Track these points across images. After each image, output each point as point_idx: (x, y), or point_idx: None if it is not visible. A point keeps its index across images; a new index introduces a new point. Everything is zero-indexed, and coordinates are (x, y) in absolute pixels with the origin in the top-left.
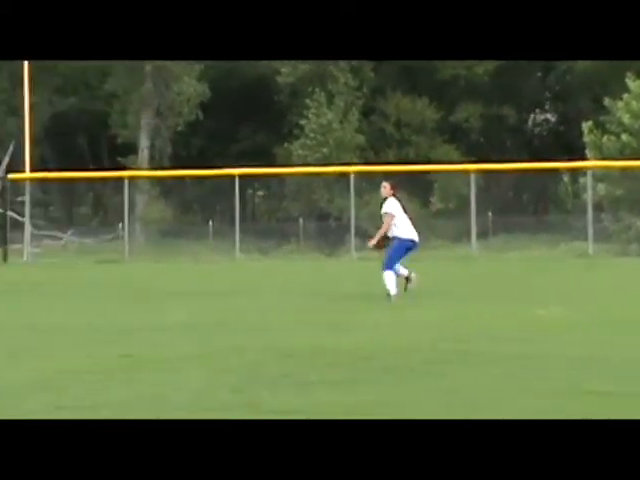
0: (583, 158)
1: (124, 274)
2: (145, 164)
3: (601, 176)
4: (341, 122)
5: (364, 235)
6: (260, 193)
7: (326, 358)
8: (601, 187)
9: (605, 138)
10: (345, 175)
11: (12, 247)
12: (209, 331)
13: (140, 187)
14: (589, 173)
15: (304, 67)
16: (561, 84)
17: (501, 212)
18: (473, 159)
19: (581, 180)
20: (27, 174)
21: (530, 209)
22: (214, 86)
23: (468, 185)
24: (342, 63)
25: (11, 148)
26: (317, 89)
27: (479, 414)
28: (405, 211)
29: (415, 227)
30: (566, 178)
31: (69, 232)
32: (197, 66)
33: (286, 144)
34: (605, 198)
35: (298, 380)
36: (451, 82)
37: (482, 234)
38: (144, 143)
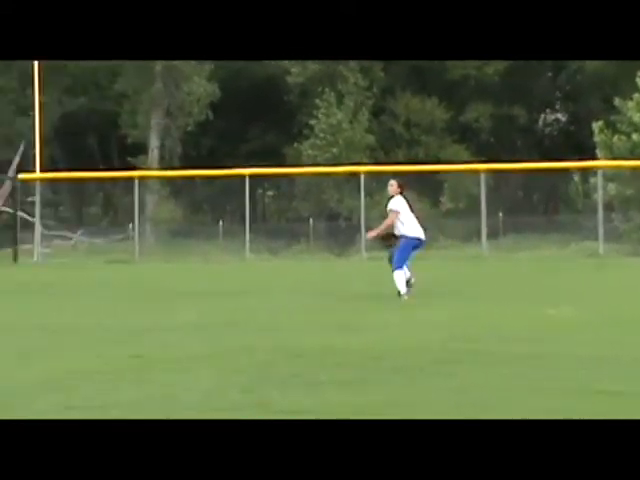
0: (594, 158)
1: (134, 274)
2: (155, 164)
3: (612, 176)
4: (351, 122)
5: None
6: (270, 193)
7: (336, 358)
8: (612, 187)
9: (616, 138)
10: (355, 175)
11: (22, 247)
12: (219, 331)
13: (150, 187)
14: (600, 173)
15: (314, 67)
16: (571, 84)
17: (511, 212)
18: (483, 159)
19: (591, 180)
20: (37, 174)
21: (540, 209)
22: (224, 86)
23: (478, 185)
24: (352, 63)
25: (21, 148)
26: (327, 89)
27: (489, 414)
28: (412, 209)
29: (425, 227)
30: (577, 178)
31: (79, 232)
32: (207, 66)
33: (296, 144)
34: (616, 198)
35: (308, 380)
36: (461, 82)
37: (492, 234)
38: (154, 143)
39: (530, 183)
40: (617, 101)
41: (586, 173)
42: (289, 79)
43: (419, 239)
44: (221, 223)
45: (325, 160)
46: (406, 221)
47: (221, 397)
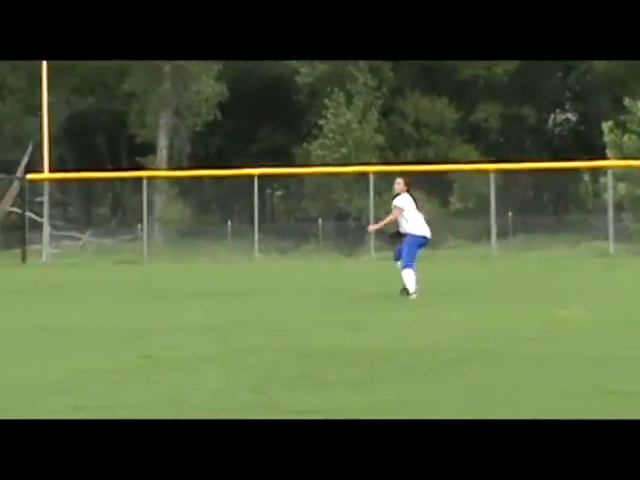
0: (603, 157)
1: (143, 274)
2: (164, 164)
3: (622, 175)
4: (360, 122)
5: (383, 235)
6: (279, 193)
7: (345, 358)
8: (622, 187)
9: (626, 137)
10: (364, 175)
11: (31, 248)
12: (228, 331)
13: (159, 187)
14: (610, 172)
15: (323, 67)
16: (581, 84)
17: (521, 212)
18: (493, 159)
19: (601, 180)
20: (46, 174)
21: (550, 209)
22: (232, 86)
23: (487, 185)
24: (361, 63)
25: (29, 148)
26: (336, 89)
27: (498, 414)
28: (417, 208)
29: (433, 227)
30: (586, 178)
31: (88, 233)
32: (215, 66)
33: (305, 144)
34: (626, 197)
35: (317, 380)
36: (471, 82)
37: (502, 234)
38: (163, 143)
39: (540, 183)
40: (627, 101)
41: (596, 173)
42: (298, 79)
43: (424, 237)
44: (230, 223)
45: (334, 160)
46: (411, 219)
47: (230, 397)
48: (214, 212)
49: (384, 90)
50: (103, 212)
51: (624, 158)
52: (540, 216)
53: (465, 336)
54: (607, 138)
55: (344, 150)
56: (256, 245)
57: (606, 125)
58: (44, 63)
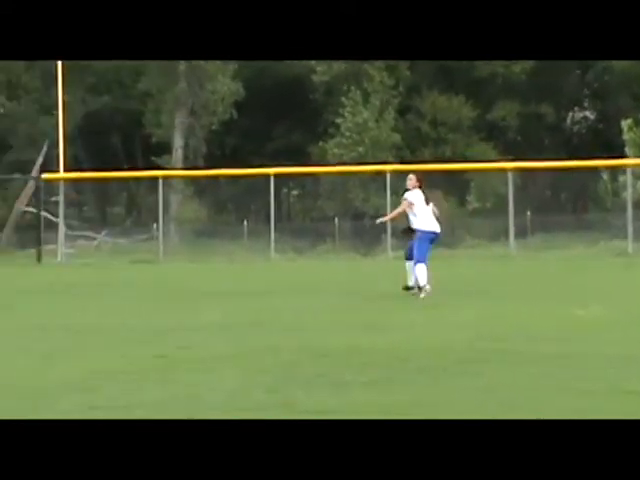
0: (622, 156)
1: (158, 274)
2: (179, 163)
3: None
4: (377, 121)
5: (405, 236)
6: (295, 192)
7: (361, 358)
8: None
9: None
10: (381, 174)
11: (46, 247)
12: (244, 331)
13: (174, 187)
14: (629, 171)
15: (339, 66)
16: (600, 82)
17: (539, 211)
18: (510, 157)
19: (620, 178)
20: (61, 174)
21: (569, 208)
22: (248, 85)
23: (505, 184)
24: (378, 61)
25: (45, 148)
26: (353, 87)
27: (516, 414)
28: (427, 204)
29: (451, 226)
30: (605, 176)
31: (103, 232)
32: (231, 65)
33: (321, 143)
34: None
35: (333, 380)
36: (488, 80)
37: (520, 233)
38: (178, 142)
39: (558, 182)
40: None
41: (615, 171)
42: (314, 78)
43: (434, 232)
44: (246, 223)
45: (351, 159)
46: (420, 214)
47: (246, 397)
48: (230, 212)
49: (401, 89)
50: (118, 212)
51: None
52: (558, 215)
53: (483, 335)
54: (626, 136)
55: (361, 149)
56: (272, 245)
57: (625, 123)
58: (59, 62)
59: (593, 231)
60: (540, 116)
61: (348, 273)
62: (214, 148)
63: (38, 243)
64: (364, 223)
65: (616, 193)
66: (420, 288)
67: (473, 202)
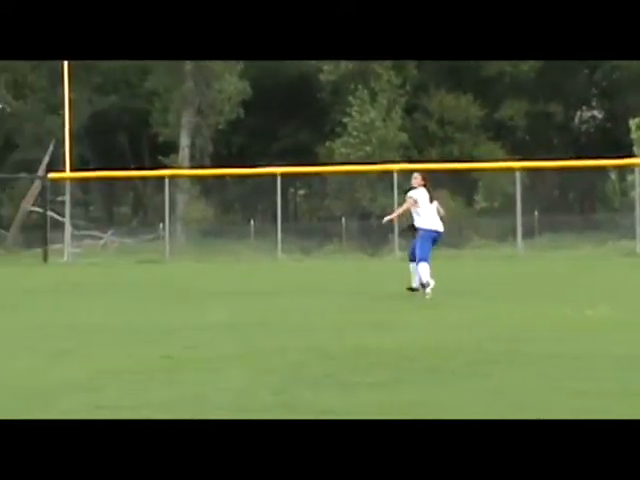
0: (631, 155)
1: (165, 274)
2: (186, 163)
3: None
4: (384, 120)
5: (408, 234)
6: (302, 192)
7: (369, 358)
8: None
9: None
10: (388, 173)
11: (52, 247)
12: (250, 331)
13: (181, 186)
14: (637, 170)
15: (346, 65)
16: (608, 81)
17: (547, 211)
18: (518, 157)
19: (629, 178)
20: (67, 173)
21: (576, 207)
22: (255, 84)
23: (513, 183)
24: (385, 61)
25: (51, 147)
26: (360, 87)
27: (526, 415)
28: (431, 202)
29: (459, 226)
30: (613, 176)
31: (109, 232)
32: (238, 64)
33: (328, 142)
34: None
35: (340, 380)
36: (496, 79)
37: (528, 233)
38: (185, 142)
39: (566, 181)
40: None
41: (623, 171)
42: (321, 77)
43: (437, 231)
44: (252, 222)
45: (358, 158)
46: (423, 213)
47: (252, 397)
48: (237, 211)
49: (408, 87)
50: (125, 211)
51: None
52: (566, 215)
53: (491, 336)
54: (634, 135)
55: (368, 148)
56: (279, 244)
57: (633, 122)
58: (66, 62)
59: (601, 231)
60: (548, 115)
61: (355, 273)
62: (221, 147)
63: (44, 243)
64: (371, 223)
65: (624, 193)
66: (424, 286)
67: (481, 202)
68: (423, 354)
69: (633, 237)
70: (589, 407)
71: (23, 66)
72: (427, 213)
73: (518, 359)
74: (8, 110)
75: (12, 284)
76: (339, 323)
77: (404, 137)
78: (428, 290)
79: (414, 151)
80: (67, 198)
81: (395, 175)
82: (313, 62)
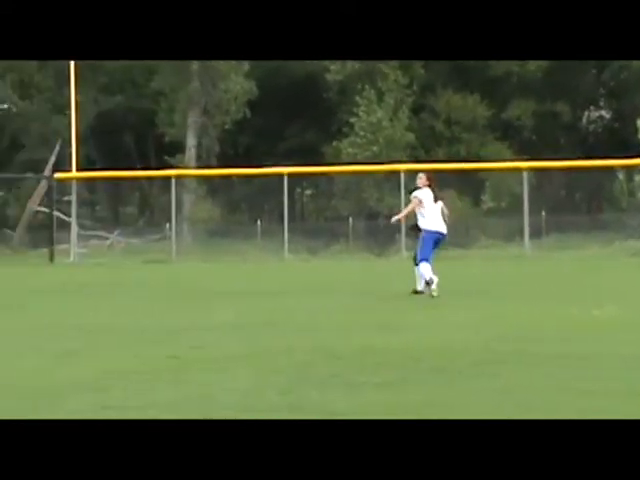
0: (638, 155)
1: (171, 274)
2: (192, 163)
3: None
4: (391, 120)
5: (414, 234)
6: (309, 192)
7: (376, 358)
8: None
9: None
10: (395, 173)
11: (58, 247)
12: (257, 331)
13: (187, 186)
14: None
15: (353, 64)
16: (616, 80)
17: (554, 211)
18: (525, 157)
19: (636, 178)
20: (73, 173)
21: (584, 208)
22: (262, 84)
23: (520, 184)
24: (392, 60)
25: (57, 147)
26: (367, 86)
27: (534, 415)
28: (435, 201)
29: (466, 226)
30: (621, 176)
31: (115, 232)
32: (245, 64)
33: (335, 142)
34: None
35: (347, 380)
36: (503, 78)
37: (535, 233)
38: (191, 142)
39: (573, 182)
40: None
41: (631, 171)
42: (328, 76)
43: (440, 233)
44: (259, 222)
45: (365, 158)
46: (427, 214)
47: (259, 398)
48: (243, 211)
49: (415, 87)
50: (131, 211)
51: None
52: (574, 215)
53: (498, 336)
54: None
55: (375, 148)
56: (286, 245)
57: None
58: (72, 62)
59: (608, 231)
60: (555, 115)
61: (362, 273)
62: (227, 147)
63: (50, 243)
64: (378, 223)
65: (632, 193)
66: (428, 283)
67: (488, 202)
68: (430, 354)
69: None
70: (596, 407)
71: (29, 66)
72: (431, 214)
73: (525, 359)
74: (14, 110)
75: (18, 284)
76: (346, 323)
77: (411, 137)
78: (433, 287)
79: (421, 151)
80: (73, 198)
81: (402, 175)
82: (320, 62)
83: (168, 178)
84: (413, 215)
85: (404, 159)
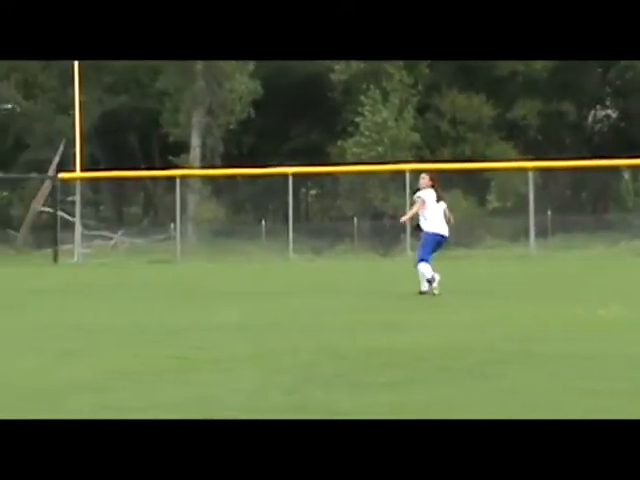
0: None
1: (176, 274)
2: (197, 163)
3: None
4: (396, 120)
5: (413, 230)
6: (313, 192)
7: (381, 358)
8: None
9: None
10: (400, 173)
11: (62, 247)
12: (262, 331)
13: (192, 186)
14: None
15: (358, 64)
16: (622, 80)
17: (560, 211)
18: (531, 157)
19: None
20: (77, 173)
21: (589, 207)
22: (266, 83)
23: (526, 183)
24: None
25: (61, 147)
26: (372, 86)
27: (538, 414)
28: (438, 202)
29: (471, 226)
30: (627, 176)
31: (120, 232)
32: (249, 64)
33: (340, 142)
34: None
35: (352, 381)
36: (509, 78)
37: (540, 233)
38: (196, 142)
39: (579, 181)
40: None
41: (637, 171)
42: (333, 76)
43: (442, 235)
44: (264, 222)
45: (370, 158)
46: (429, 216)
47: (264, 398)
48: (248, 211)
49: (420, 87)
50: (135, 211)
51: None
52: (579, 215)
53: (503, 336)
54: None
55: (380, 148)
56: (290, 245)
57: None
58: (76, 61)
59: (614, 231)
60: (561, 115)
61: (367, 273)
62: (232, 147)
63: (54, 243)
64: (383, 223)
65: (638, 193)
66: (429, 281)
67: (493, 202)
68: (435, 354)
69: None
70: (602, 407)
71: (33, 66)
72: (433, 216)
73: (530, 359)
74: (18, 110)
75: (22, 284)
76: (351, 323)
77: (416, 137)
78: (435, 285)
79: (426, 151)
80: (77, 198)
81: (407, 175)
82: (324, 61)
83: (172, 178)
84: (417, 216)
85: (409, 159)
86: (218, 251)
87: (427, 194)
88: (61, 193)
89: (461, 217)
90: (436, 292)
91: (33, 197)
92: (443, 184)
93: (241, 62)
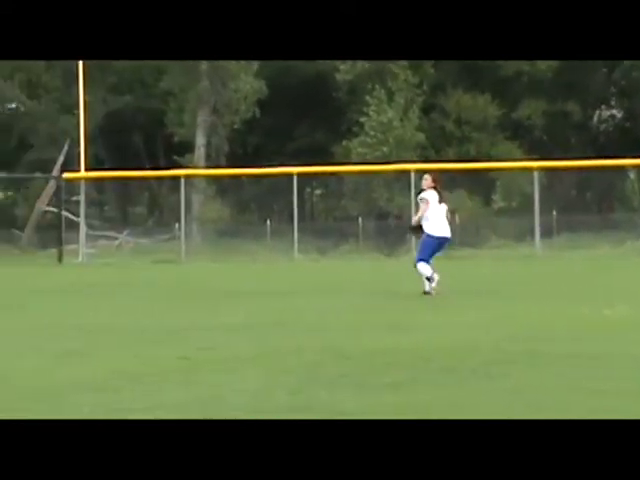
0: None
1: (181, 274)
2: (201, 163)
3: None
4: (401, 120)
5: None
6: (318, 192)
7: (385, 358)
8: None
9: None
10: (405, 173)
11: (67, 247)
12: (267, 331)
13: (196, 186)
14: None
15: (363, 64)
16: (627, 79)
17: (565, 210)
18: (536, 156)
19: None
20: (82, 173)
21: (595, 207)
22: (271, 83)
23: (531, 183)
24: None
25: (66, 147)
26: (377, 86)
27: (544, 414)
28: (440, 202)
29: (476, 226)
30: (632, 175)
31: (124, 232)
32: (254, 63)
33: (345, 142)
34: None
35: (357, 381)
36: (514, 78)
37: (546, 233)
38: (200, 141)
39: (584, 181)
40: None
41: None
42: (338, 76)
43: (445, 237)
44: (269, 222)
45: (375, 158)
46: (432, 218)
47: (269, 398)
48: (253, 211)
49: (425, 87)
50: (140, 211)
51: None
52: (584, 215)
53: (508, 336)
54: None
55: (385, 148)
56: (295, 245)
57: None
58: (80, 61)
59: (619, 231)
60: (566, 114)
61: (371, 273)
62: (237, 147)
63: (59, 243)
64: (388, 223)
65: None
66: (429, 280)
67: (498, 201)
68: (440, 354)
69: None
70: (607, 407)
71: (37, 66)
72: (436, 218)
73: (536, 359)
74: (22, 110)
75: (26, 284)
76: (355, 323)
77: (421, 137)
78: (433, 284)
79: (431, 151)
80: (82, 198)
81: (412, 175)
82: (329, 61)
83: (177, 178)
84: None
85: (414, 159)
86: (223, 251)
87: (430, 195)
88: (65, 193)
89: (466, 217)
90: (433, 292)
91: (37, 197)
92: (448, 184)
93: (246, 62)
